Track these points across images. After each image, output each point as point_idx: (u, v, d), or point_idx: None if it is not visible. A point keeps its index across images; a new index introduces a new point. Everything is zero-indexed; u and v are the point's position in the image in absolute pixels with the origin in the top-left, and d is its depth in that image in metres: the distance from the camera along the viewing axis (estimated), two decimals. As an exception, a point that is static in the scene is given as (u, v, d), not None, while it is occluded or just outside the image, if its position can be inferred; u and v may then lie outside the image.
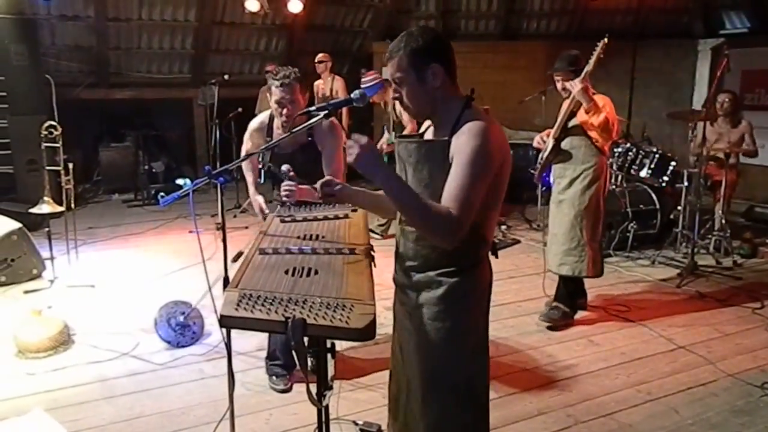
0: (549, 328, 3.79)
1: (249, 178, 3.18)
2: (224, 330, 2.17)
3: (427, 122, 1.87)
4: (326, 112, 1.92)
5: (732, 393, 3.04)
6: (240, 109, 6.84)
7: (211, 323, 3.67)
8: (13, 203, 5.97)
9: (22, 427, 2.61)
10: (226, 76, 6.86)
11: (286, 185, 2.59)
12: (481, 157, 1.60)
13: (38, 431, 2.60)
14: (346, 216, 2.25)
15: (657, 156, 5.37)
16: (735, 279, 4.74)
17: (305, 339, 1.44)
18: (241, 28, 8.50)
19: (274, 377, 3.07)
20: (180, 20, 8.08)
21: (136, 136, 8.14)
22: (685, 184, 5.23)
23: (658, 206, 5.54)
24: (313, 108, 2.02)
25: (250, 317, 1.45)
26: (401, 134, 1.84)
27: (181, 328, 3.52)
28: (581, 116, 3.56)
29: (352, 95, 2.00)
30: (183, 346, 3.50)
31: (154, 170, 8.12)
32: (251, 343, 3.48)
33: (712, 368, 3.29)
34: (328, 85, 6.69)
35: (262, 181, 3.12)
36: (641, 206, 5.48)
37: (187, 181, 2.47)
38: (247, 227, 6.05)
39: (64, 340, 3.48)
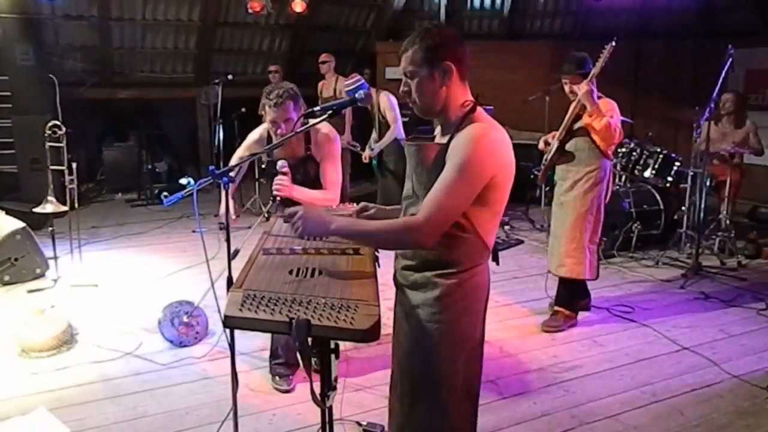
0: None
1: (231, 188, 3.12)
2: (228, 330, 2.17)
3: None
4: (330, 112, 1.92)
5: (737, 394, 3.03)
6: (243, 109, 6.84)
7: (215, 323, 3.67)
8: (17, 202, 5.98)
9: (25, 426, 2.62)
10: (229, 76, 6.85)
11: (278, 179, 2.63)
12: (468, 163, 1.61)
13: (42, 430, 2.60)
14: (351, 216, 2.24)
15: (661, 156, 5.36)
16: (740, 280, 4.72)
17: (309, 339, 1.44)
18: (245, 27, 8.50)
19: (277, 377, 3.06)
20: (183, 20, 8.09)
21: (140, 135, 8.16)
22: (689, 184, 5.21)
23: (662, 206, 5.52)
24: (317, 108, 2.01)
25: (254, 318, 1.45)
26: (412, 135, 1.84)
27: (184, 327, 3.52)
28: (586, 119, 3.55)
29: (356, 95, 2.00)
30: (186, 346, 3.50)
31: (157, 170, 8.13)
32: (255, 343, 3.48)
33: (717, 369, 3.27)
34: (332, 85, 6.68)
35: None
36: (645, 206, 5.46)
37: (191, 180, 2.47)
38: (249, 227, 6.04)
39: (67, 340, 3.49)
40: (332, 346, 1.70)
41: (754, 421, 2.80)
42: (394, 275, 1.89)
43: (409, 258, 1.80)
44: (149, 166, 7.93)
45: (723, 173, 5.32)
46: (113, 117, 8.65)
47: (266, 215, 6.01)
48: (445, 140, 1.70)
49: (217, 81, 6.75)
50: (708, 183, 5.15)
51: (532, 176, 4.19)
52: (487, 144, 1.63)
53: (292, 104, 2.77)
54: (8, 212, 4.97)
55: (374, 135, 5.72)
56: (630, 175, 5.57)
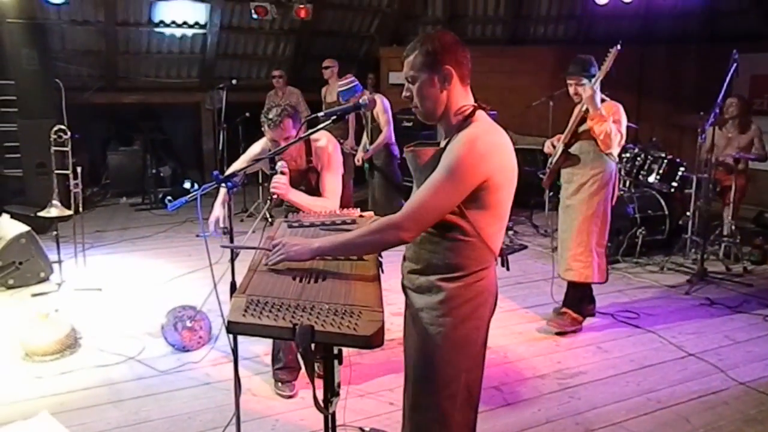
0: (557, 333, 3.76)
1: (222, 192, 3.06)
2: (231, 335, 2.16)
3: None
4: (334, 117, 1.92)
5: (744, 401, 3.00)
6: (248, 114, 6.86)
7: (218, 327, 3.66)
8: (22, 206, 6.00)
9: (28, 430, 2.61)
10: (234, 81, 6.88)
11: (276, 179, 2.63)
12: (457, 164, 1.62)
13: (45, 435, 2.60)
14: (354, 222, 2.23)
15: (665, 161, 5.34)
16: (745, 285, 4.69)
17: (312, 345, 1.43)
18: (249, 33, 8.53)
19: (279, 383, 3.05)
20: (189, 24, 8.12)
21: (144, 140, 8.18)
22: (694, 189, 5.19)
23: (666, 212, 5.50)
24: (320, 114, 2.01)
25: (258, 323, 1.44)
26: (416, 142, 1.84)
27: (187, 332, 3.51)
28: (589, 121, 3.55)
29: (360, 101, 2.00)
30: (189, 351, 3.50)
31: (161, 174, 8.15)
32: (258, 348, 3.48)
33: (723, 376, 3.25)
34: (335, 90, 6.70)
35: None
36: (650, 212, 5.44)
37: (195, 183, 2.48)
38: (254, 231, 6.04)
39: (71, 344, 3.49)
40: (335, 351, 1.69)
41: (762, 428, 2.77)
42: (402, 279, 1.90)
43: (415, 262, 1.80)
44: (153, 171, 7.95)
45: (728, 178, 5.29)
46: (118, 121, 8.69)
47: (269, 218, 6.01)
48: (444, 143, 1.72)
49: (221, 86, 6.78)
50: (713, 188, 5.12)
51: (540, 178, 4.17)
52: (480, 146, 1.64)
53: (291, 122, 2.78)
54: (13, 216, 4.99)
55: (365, 138, 5.75)
56: (634, 180, 5.55)
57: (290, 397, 3.01)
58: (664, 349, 3.59)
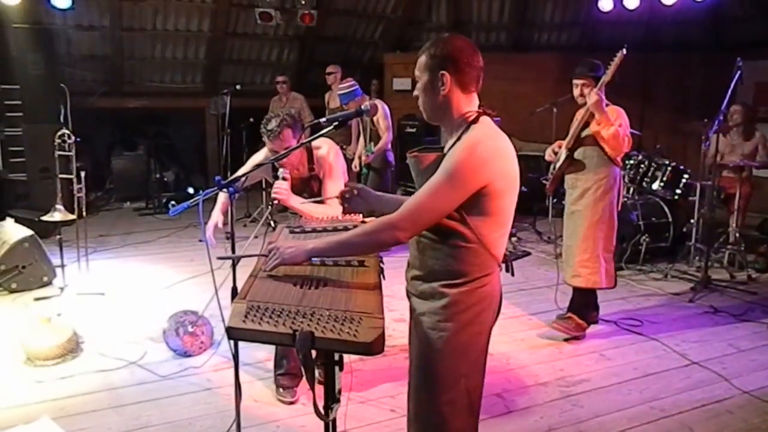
0: (564, 340, 3.74)
1: (221, 199, 3.09)
2: (232, 341, 2.16)
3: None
4: (336, 123, 1.92)
5: (747, 410, 2.98)
6: (252, 119, 6.87)
7: (220, 333, 3.66)
8: (26, 210, 6.02)
9: (29, 435, 2.61)
10: (238, 86, 6.90)
11: (278, 184, 2.64)
12: (457, 168, 1.63)
13: (45, 440, 2.59)
14: (356, 227, 2.23)
15: (669, 168, 5.32)
16: (750, 294, 4.66)
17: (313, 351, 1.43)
18: (254, 38, 8.57)
19: (281, 389, 3.05)
20: (193, 30, 8.17)
21: (148, 144, 8.21)
22: (698, 196, 5.17)
23: (670, 219, 5.48)
24: (323, 119, 2.02)
25: (258, 329, 1.44)
26: (420, 147, 1.85)
27: (189, 337, 3.51)
28: (594, 126, 3.54)
29: (362, 107, 2.00)
30: (191, 356, 3.49)
31: (165, 179, 8.18)
32: (259, 354, 3.47)
33: (727, 385, 3.22)
34: (338, 96, 6.72)
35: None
36: (654, 219, 5.42)
37: (201, 190, 2.48)
38: (257, 237, 6.05)
39: (72, 348, 3.49)
40: (336, 358, 1.68)
41: (766, 438, 2.75)
42: (406, 285, 1.90)
43: (418, 268, 1.81)
44: (157, 176, 7.98)
45: (732, 186, 5.27)
46: (123, 126, 8.73)
47: (272, 224, 6.02)
48: (447, 148, 1.73)
49: (225, 91, 6.80)
50: (717, 195, 5.10)
51: (543, 184, 4.16)
52: (481, 151, 1.64)
53: (290, 132, 2.79)
54: (17, 220, 5.01)
55: (361, 142, 5.76)
56: (638, 188, 5.53)
57: (291, 403, 3.00)
58: (667, 357, 3.57)
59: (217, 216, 3.03)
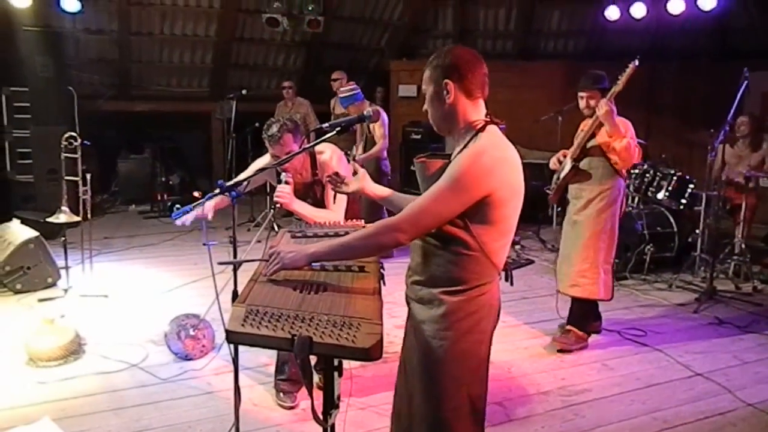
0: (559, 351, 3.72)
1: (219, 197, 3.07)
2: (232, 345, 2.16)
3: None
4: (339, 128, 1.93)
5: (751, 423, 2.95)
6: (257, 124, 6.90)
7: (221, 336, 3.65)
8: (32, 212, 6.06)
9: (29, 436, 2.61)
10: (244, 91, 6.93)
11: (280, 188, 2.64)
12: (460, 175, 1.64)
13: (45, 441, 2.60)
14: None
15: (675, 178, 5.30)
16: (755, 305, 4.62)
17: (312, 356, 1.43)
18: (260, 43, 8.62)
19: (281, 394, 3.04)
20: (200, 35, 8.23)
21: (154, 148, 8.25)
22: (704, 206, 5.14)
23: (675, 229, 5.46)
24: (325, 125, 2.03)
25: (256, 333, 1.44)
26: (428, 153, 1.84)
27: (190, 341, 3.51)
28: (602, 137, 3.52)
29: (365, 112, 2.01)
30: (192, 360, 3.49)
31: (170, 182, 8.21)
32: (260, 358, 3.47)
33: (730, 397, 3.20)
34: (342, 101, 6.74)
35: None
36: (659, 228, 5.40)
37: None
38: (259, 241, 6.06)
39: (75, 350, 3.50)
40: (335, 363, 1.68)
41: (769, 451, 2.72)
42: (406, 289, 1.90)
43: (418, 273, 1.81)
44: (163, 179, 8.01)
45: (738, 197, 5.24)
46: (129, 129, 8.77)
47: (275, 228, 6.03)
48: (454, 155, 1.74)
49: (231, 95, 6.83)
50: (723, 206, 5.07)
51: (547, 193, 4.14)
52: (486, 160, 1.65)
53: (291, 137, 2.79)
54: (23, 221, 5.03)
55: (356, 148, 5.76)
56: (643, 197, 5.51)
57: (291, 408, 2.99)
58: (670, 368, 3.54)
59: (207, 207, 2.97)
